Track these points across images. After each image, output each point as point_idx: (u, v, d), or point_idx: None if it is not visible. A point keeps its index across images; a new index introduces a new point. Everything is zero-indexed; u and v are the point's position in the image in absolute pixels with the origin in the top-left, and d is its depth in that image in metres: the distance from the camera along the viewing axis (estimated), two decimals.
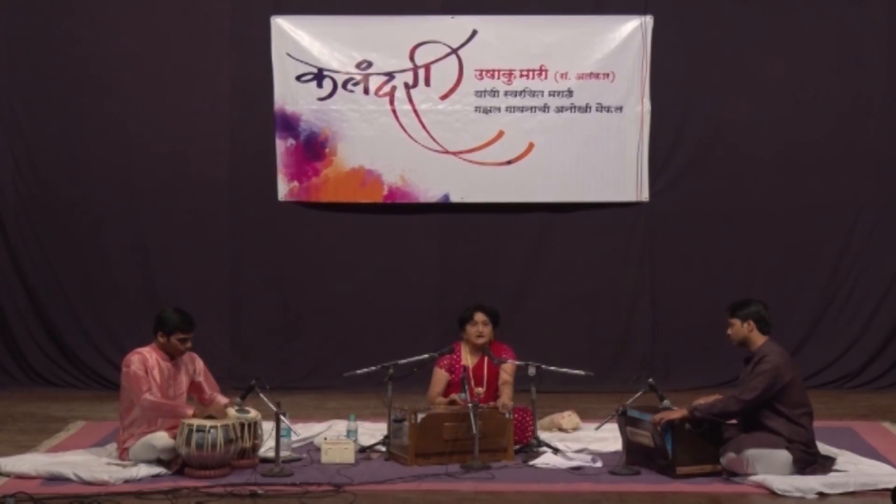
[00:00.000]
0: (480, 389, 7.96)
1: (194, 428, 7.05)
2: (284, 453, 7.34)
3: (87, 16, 10.60)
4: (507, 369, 8.04)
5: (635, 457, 7.28)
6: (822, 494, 6.73)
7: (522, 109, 10.56)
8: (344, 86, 10.54)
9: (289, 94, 10.54)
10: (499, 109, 10.56)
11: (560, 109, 10.55)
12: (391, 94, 10.54)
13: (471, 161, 10.57)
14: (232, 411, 7.33)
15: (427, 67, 10.55)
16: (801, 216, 10.61)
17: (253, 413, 7.34)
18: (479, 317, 8.07)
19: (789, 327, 10.11)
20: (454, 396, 7.91)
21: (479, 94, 10.56)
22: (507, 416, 7.62)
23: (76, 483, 6.96)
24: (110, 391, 9.81)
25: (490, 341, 8.09)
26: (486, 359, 8.09)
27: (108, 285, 10.67)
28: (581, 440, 8.09)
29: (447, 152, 10.58)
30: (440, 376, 8.10)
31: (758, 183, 10.61)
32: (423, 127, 10.55)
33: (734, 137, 10.61)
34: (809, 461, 7.02)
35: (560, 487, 6.94)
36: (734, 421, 7.21)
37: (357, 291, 10.71)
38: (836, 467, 7.14)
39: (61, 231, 10.67)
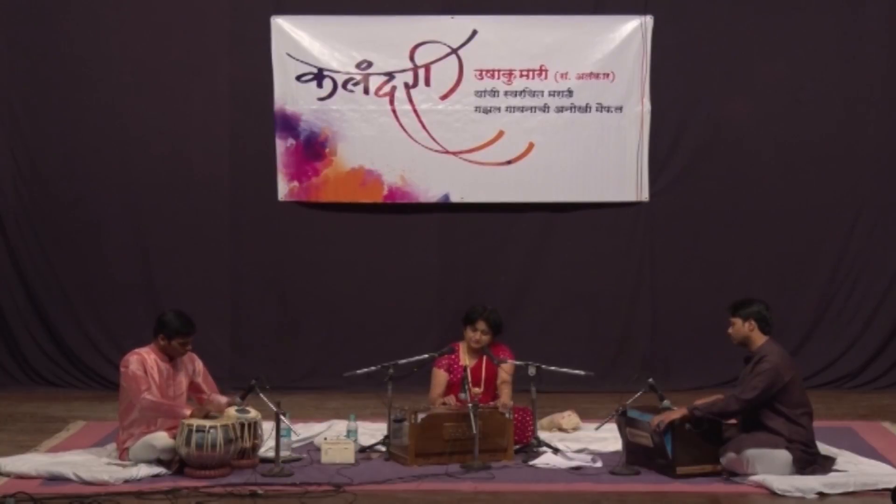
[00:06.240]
0: (478, 389, 7.96)
1: (194, 428, 7.05)
2: (284, 453, 7.35)
3: (87, 16, 10.59)
4: (507, 369, 8.04)
5: (635, 457, 7.28)
6: (822, 494, 6.74)
7: (522, 109, 10.56)
8: (344, 86, 10.54)
9: (289, 94, 10.54)
10: (499, 109, 10.56)
11: (560, 109, 10.55)
12: (391, 94, 10.54)
13: (471, 161, 10.57)
14: (232, 411, 7.33)
15: (427, 67, 10.55)
16: (801, 216, 10.61)
17: (253, 413, 7.34)
18: (481, 325, 8.05)
19: (789, 327, 10.11)
20: (446, 399, 7.91)
21: (479, 94, 10.55)
22: (507, 416, 7.62)
23: (76, 483, 6.97)
24: (110, 391, 9.81)
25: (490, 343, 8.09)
26: (484, 359, 8.09)
27: (108, 285, 10.67)
28: (581, 440, 8.10)
29: (447, 152, 10.58)
30: (440, 377, 8.09)
31: (758, 183, 10.61)
32: (423, 127, 10.55)
33: (734, 137, 10.61)
34: (809, 461, 7.03)
35: (560, 487, 6.94)
36: (734, 421, 7.22)
37: (357, 291, 10.71)
38: (836, 467, 7.15)
39: (61, 231, 10.67)
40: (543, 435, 7.97)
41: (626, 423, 7.28)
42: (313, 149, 10.58)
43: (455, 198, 10.62)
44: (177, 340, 7.44)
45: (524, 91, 10.54)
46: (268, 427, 7.43)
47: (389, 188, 10.61)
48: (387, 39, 10.53)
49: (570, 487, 6.94)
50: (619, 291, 10.71)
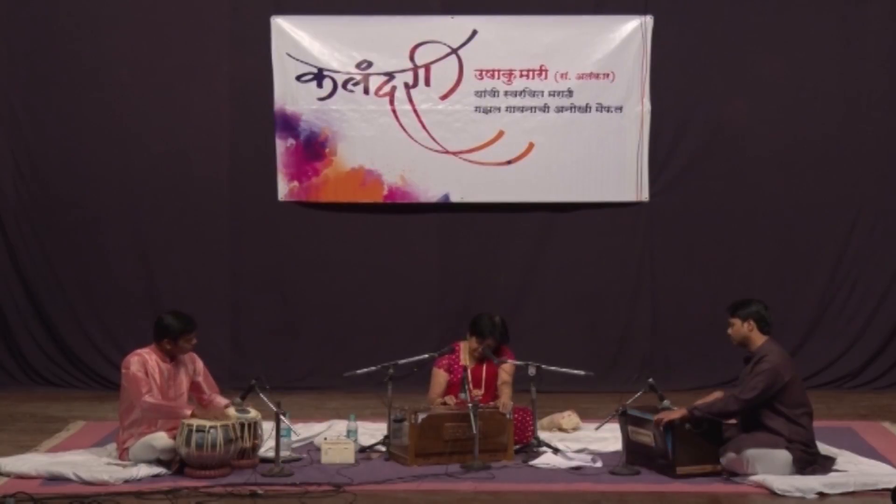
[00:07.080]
0: (479, 391, 7.94)
1: (194, 428, 7.05)
2: (284, 453, 7.35)
3: (87, 15, 10.59)
4: (507, 369, 8.04)
5: (635, 457, 7.28)
6: (822, 494, 6.74)
7: (522, 109, 10.56)
8: (344, 86, 10.54)
9: (289, 94, 10.54)
10: (499, 109, 10.56)
11: (560, 109, 10.55)
12: (391, 94, 10.54)
13: (471, 161, 10.58)
14: (232, 411, 7.33)
15: (427, 67, 10.55)
16: (801, 216, 10.61)
17: (253, 413, 7.34)
18: (490, 342, 7.99)
19: (789, 327, 10.10)
20: (446, 399, 7.90)
21: (479, 94, 10.56)
22: (507, 416, 7.62)
23: (76, 483, 6.97)
24: (110, 391, 9.81)
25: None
26: (485, 360, 8.08)
27: (108, 285, 10.67)
28: (581, 440, 8.10)
29: (447, 152, 10.58)
30: (440, 377, 8.09)
31: (758, 183, 10.61)
32: (423, 127, 10.55)
33: (734, 137, 10.61)
34: (809, 461, 7.03)
35: (560, 487, 6.94)
36: (734, 421, 7.22)
37: (357, 291, 10.71)
38: (836, 467, 7.15)
39: (61, 231, 10.67)
40: (543, 435, 7.97)
41: (627, 421, 7.28)
42: (313, 149, 10.58)
43: (455, 198, 10.62)
44: (183, 339, 7.47)
45: (524, 91, 10.54)
46: (268, 427, 7.43)
47: (389, 188, 10.61)
48: (387, 39, 10.53)
49: (570, 487, 6.94)
50: (619, 291, 10.71)
